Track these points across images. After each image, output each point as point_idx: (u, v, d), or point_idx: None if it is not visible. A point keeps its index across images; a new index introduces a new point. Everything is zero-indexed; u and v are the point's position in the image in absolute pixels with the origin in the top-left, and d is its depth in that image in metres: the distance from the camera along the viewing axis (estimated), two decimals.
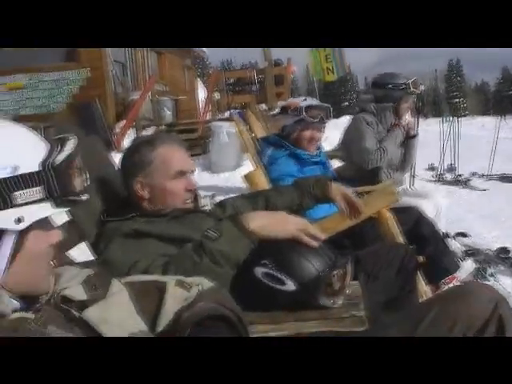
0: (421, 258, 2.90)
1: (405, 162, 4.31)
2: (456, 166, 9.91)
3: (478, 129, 20.47)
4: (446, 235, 4.43)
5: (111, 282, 1.31)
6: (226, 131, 8.85)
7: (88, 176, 1.13)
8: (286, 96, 13.61)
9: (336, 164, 4.52)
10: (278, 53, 16.42)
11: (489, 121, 22.66)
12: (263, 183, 3.22)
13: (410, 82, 4.15)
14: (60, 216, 1.17)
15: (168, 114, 12.37)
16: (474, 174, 9.65)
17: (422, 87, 4.63)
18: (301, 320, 1.66)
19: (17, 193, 1.01)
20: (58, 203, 1.06)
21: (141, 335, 1.22)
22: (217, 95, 13.08)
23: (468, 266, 3.87)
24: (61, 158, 1.06)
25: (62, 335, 1.10)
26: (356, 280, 1.98)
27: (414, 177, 5.10)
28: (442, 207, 4.17)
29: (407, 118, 4.25)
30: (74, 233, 1.86)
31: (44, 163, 1.04)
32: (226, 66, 60.87)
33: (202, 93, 14.11)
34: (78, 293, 1.19)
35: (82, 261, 1.47)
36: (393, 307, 2.33)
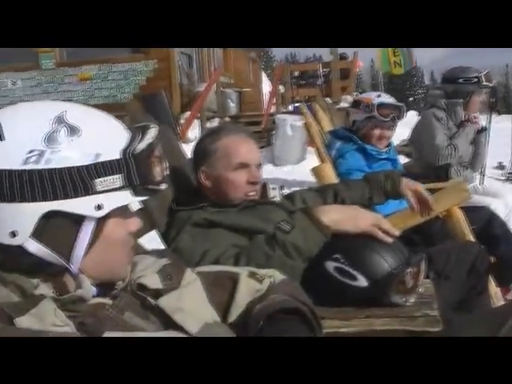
0: (492, 259, 2.81)
1: (476, 160, 4.18)
2: None
3: None
4: None
5: (185, 272, 1.31)
6: (290, 124, 8.81)
7: (167, 165, 1.12)
8: (350, 90, 13.47)
9: (402, 160, 4.44)
10: None
11: None
12: (331, 177, 3.19)
13: (482, 75, 4.01)
14: (133, 204, 1.18)
15: (232, 106, 12.41)
16: None
17: (495, 81, 4.48)
18: (372, 317, 1.63)
19: (97, 180, 1.01)
20: (138, 192, 1.05)
21: (214, 325, 1.22)
22: (281, 88, 13.04)
23: None
24: (142, 146, 1.05)
25: (138, 323, 1.11)
26: (428, 279, 1.93)
27: (483, 175, 4.92)
28: None
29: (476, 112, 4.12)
30: (144, 221, 1.88)
31: (125, 151, 1.04)
32: (290, 59, 60.81)
33: (266, 86, 14.11)
34: (153, 281, 1.20)
35: (152, 249, 1.47)
36: (463, 308, 2.27)
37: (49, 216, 1.00)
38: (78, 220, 1.03)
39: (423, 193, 2.28)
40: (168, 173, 1.12)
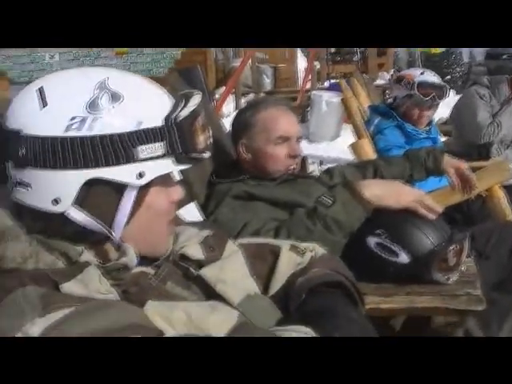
0: None
1: None
2: None
3: None
4: None
5: (227, 243, 1.30)
6: (326, 101, 8.72)
7: (211, 133, 1.10)
8: (387, 67, 13.27)
9: (442, 139, 4.37)
10: None
11: None
12: (370, 153, 3.16)
13: None
14: (175, 174, 1.16)
15: (267, 82, 12.34)
16: None
17: None
18: (413, 294, 1.60)
19: (139, 147, 1.00)
20: (180, 160, 1.04)
21: (255, 297, 1.21)
22: (317, 64, 12.90)
23: None
24: (184, 113, 1.03)
25: (180, 292, 1.11)
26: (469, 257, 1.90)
27: None
28: None
29: None
30: (184, 193, 1.88)
31: (167, 118, 1.02)
32: None
33: (301, 62, 13.98)
34: (195, 252, 1.19)
35: (193, 221, 1.47)
36: (504, 289, 2.23)
37: (91, 184, 1.00)
38: (119, 188, 1.02)
39: (466, 171, 2.24)
40: (211, 141, 1.10)
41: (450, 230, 1.69)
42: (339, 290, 1.23)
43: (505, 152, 4.00)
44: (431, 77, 3.50)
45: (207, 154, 1.09)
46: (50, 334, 0.87)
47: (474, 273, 1.75)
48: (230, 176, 1.95)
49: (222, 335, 0.98)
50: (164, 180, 1.08)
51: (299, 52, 14.04)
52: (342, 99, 4.02)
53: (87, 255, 1.05)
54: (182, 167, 1.06)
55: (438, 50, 12.83)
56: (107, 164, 0.99)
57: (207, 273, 1.16)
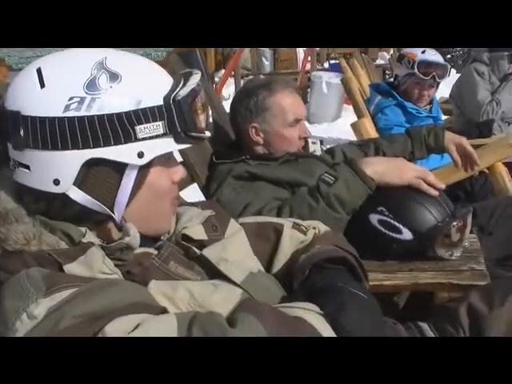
0: None
1: None
2: None
3: None
4: None
5: (229, 223, 1.30)
6: (326, 82, 8.67)
7: (211, 113, 1.10)
8: (387, 48, 13.17)
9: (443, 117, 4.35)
10: None
11: None
12: (371, 132, 3.15)
13: None
14: (176, 154, 1.16)
15: (267, 64, 12.28)
16: None
17: None
18: (416, 270, 1.60)
19: (139, 127, 1.00)
20: (180, 139, 1.04)
21: (259, 275, 1.21)
22: None
23: None
24: (184, 92, 1.03)
25: (183, 272, 1.11)
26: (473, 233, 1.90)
27: None
28: None
29: None
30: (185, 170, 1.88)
31: (167, 97, 1.02)
32: None
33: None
34: (198, 232, 1.19)
35: (195, 201, 1.46)
36: (507, 265, 2.23)
37: (91, 164, 1.00)
38: (120, 168, 1.02)
39: (467, 147, 2.23)
40: (211, 121, 1.10)
41: (453, 206, 1.69)
42: (343, 266, 1.23)
43: (506, 129, 3.99)
44: (432, 56, 3.47)
45: (207, 134, 1.08)
46: (54, 315, 0.87)
47: (477, 248, 1.74)
48: (231, 157, 1.94)
49: (226, 313, 0.98)
50: (165, 160, 1.08)
51: None
52: (342, 79, 4.01)
53: (90, 236, 1.05)
54: (182, 147, 1.06)
55: None
56: (106, 144, 0.99)
57: (210, 252, 1.16)
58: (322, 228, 1.40)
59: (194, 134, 1.05)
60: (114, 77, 1.01)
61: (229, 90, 9.52)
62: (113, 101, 0.99)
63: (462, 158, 2.25)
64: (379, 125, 3.36)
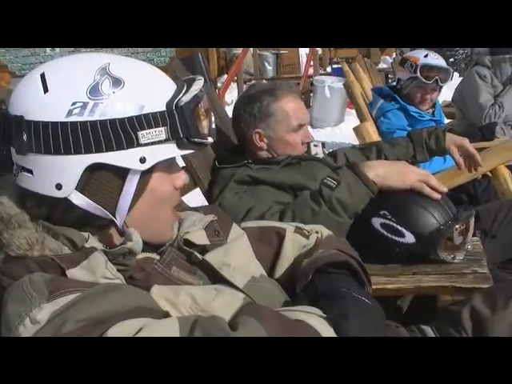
0: None
1: None
2: None
3: None
4: None
5: (232, 227, 1.30)
6: (329, 86, 8.68)
7: (214, 119, 1.10)
8: (390, 51, 13.17)
9: (446, 120, 4.36)
10: None
11: None
12: (373, 136, 3.15)
13: None
14: (178, 160, 1.16)
15: (269, 69, 12.28)
16: None
17: None
18: (419, 274, 1.60)
19: (141, 132, 1.00)
20: (183, 145, 1.04)
21: (261, 279, 1.22)
22: (319, 50, 12.84)
23: None
24: (186, 98, 1.03)
25: (185, 277, 1.11)
26: (475, 236, 1.89)
27: None
28: None
29: None
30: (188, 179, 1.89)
31: (170, 103, 1.02)
32: None
33: (303, 48, 13.92)
34: (200, 238, 1.20)
35: (198, 206, 1.46)
36: (510, 268, 2.23)
37: (93, 169, 1.01)
38: (122, 173, 1.02)
39: (469, 148, 2.22)
40: (214, 126, 1.10)
41: (455, 209, 1.69)
42: (346, 271, 1.23)
43: (509, 132, 3.99)
44: (435, 59, 3.48)
45: (210, 140, 1.08)
46: (57, 319, 0.87)
47: (480, 251, 1.74)
48: (234, 161, 1.94)
49: (228, 317, 0.98)
50: (167, 166, 1.09)
51: None
52: (345, 84, 4.01)
53: (93, 241, 1.05)
54: (185, 152, 1.06)
55: None
56: (109, 149, 1.00)
57: (212, 257, 1.16)
58: (325, 232, 1.40)
59: (196, 139, 1.05)
60: (117, 82, 1.01)
61: (232, 95, 9.53)
62: (115, 106, 1.00)
63: (465, 159, 2.24)
64: (382, 128, 3.36)
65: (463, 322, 1.29)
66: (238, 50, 11.14)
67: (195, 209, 1.35)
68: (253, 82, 10.98)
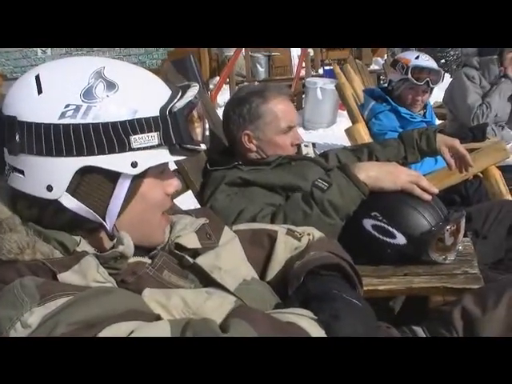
0: None
1: None
2: None
3: None
4: None
5: (223, 230, 1.31)
6: (321, 88, 8.71)
7: (207, 126, 1.10)
8: (381, 53, 13.20)
9: (437, 122, 4.38)
10: None
11: None
12: (365, 137, 3.16)
13: None
14: (170, 164, 1.16)
15: (261, 71, 12.30)
16: None
17: None
18: (411, 275, 1.61)
19: (133, 137, 1.00)
20: (175, 151, 1.04)
21: (252, 282, 1.22)
22: (311, 51, 12.86)
23: None
24: (180, 104, 1.03)
25: (176, 281, 1.11)
26: (466, 237, 1.90)
27: None
28: None
29: None
30: (180, 182, 1.89)
31: (163, 109, 1.02)
32: None
33: (295, 49, 13.94)
34: (191, 241, 1.19)
35: (190, 209, 1.46)
36: (501, 268, 2.24)
37: (84, 172, 1.01)
38: (113, 177, 1.02)
39: (460, 148, 2.23)
40: (208, 133, 1.10)
41: (446, 210, 1.69)
42: (337, 273, 1.23)
43: (500, 133, 4.00)
44: (425, 61, 3.50)
45: (202, 146, 1.08)
46: (49, 323, 0.87)
47: (471, 252, 1.75)
48: (225, 163, 1.94)
49: (219, 320, 0.98)
50: (160, 172, 1.09)
51: None
52: (336, 85, 4.02)
53: (84, 245, 1.05)
54: (177, 158, 1.06)
55: None
56: (100, 152, 0.99)
57: (203, 261, 1.16)
58: (316, 234, 1.40)
59: (189, 146, 1.04)
60: (111, 86, 1.01)
61: (224, 98, 9.51)
62: (109, 110, 1.00)
63: (456, 160, 2.25)
64: (373, 130, 3.38)
65: (454, 322, 1.30)
66: (230, 52, 11.15)
67: (187, 212, 1.35)
68: (245, 83, 11.00)
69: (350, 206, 1.66)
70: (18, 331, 0.88)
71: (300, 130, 8.50)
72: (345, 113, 4.40)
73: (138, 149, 1.01)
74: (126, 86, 1.02)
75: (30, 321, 0.88)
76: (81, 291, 0.93)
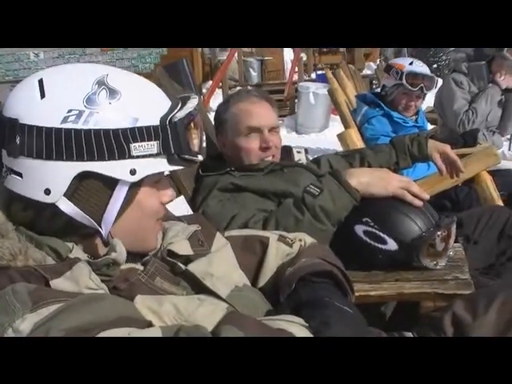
0: None
1: (504, 122, 4.11)
2: None
3: None
4: None
5: (215, 237, 1.31)
6: (313, 92, 8.74)
7: (205, 137, 1.11)
8: (374, 58, 13.29)
9: (429, 127, 4.39)
10: None
11: None
12: (357, 142, 3.17)
13: None
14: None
15: (254, 75, 12.32)
16: None
17: None
18: (401, 280, 1.61)
19: (133, 144, 1.01)
20: (173, 161, 1.05)
21: (244, 289, 1.22)
22: (304, 56, 12.90)
23: None
24: (181, 114, 1.05)
25: (169, 288, 1.12)
26: (457, 243, 1.91)
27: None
28: None
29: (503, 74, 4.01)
30: (172, 187, 1.89)
31: (163, 118, 1.04)
32: None
33: (288, 54, 13.97)
34: (183, 248, 1.20)
35: (182, 215, 1.47)
36: (492, 273, 2.25)
37: (83, 177, 1.01)
38: (111, 183, 1.03)
39: (451, 154, 2.24)
40: (205, 145, 1.11)
41: (437, 216, 1.70)
42: (329, 280, 1.24)
43: (491, 138, 4.02)
44: (420, 67, 3.52)
45: (200, 157, 1.10)
46: (41, 330, 0.88)
47: (462, 257, 1.76)
48: (217, 169, 1.95)
49: (211, 327, 0.99)
50: (156, 181, 1.10)
51: None
52: (329, 90, 4.04)
53: (77, 251, 1.05)
54: (174, 168, 1.07)
55: None
56: (100, 158, 1.00)
57: (195, 267, 1.17)
58: (308, 240, 1.41)
59: (186, 156, 1.06)
60: (113, 93, 1.02)
61: (216, 102, 9.51)
62: (110, 117, 1.01)
63: (447, 165, 2.26)
64: (366, 135, 3.39)
65: (445, 328, 1.31)
66: (223, 56, 11.17)
67: (179, 218, 1.35)
68: (238, 88, 11.02)
69: (341, 212, 1.67)
70: None
71: (293, 135, 8.58)
72: (337, 117, 4.42)
73: (138, 157, 1.02)
74: (127, 94, 1.04)
75: (22, 327, 0.88)
76: (73, 298, 0.94)
